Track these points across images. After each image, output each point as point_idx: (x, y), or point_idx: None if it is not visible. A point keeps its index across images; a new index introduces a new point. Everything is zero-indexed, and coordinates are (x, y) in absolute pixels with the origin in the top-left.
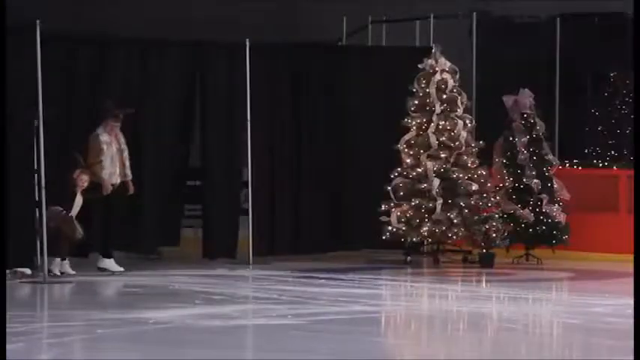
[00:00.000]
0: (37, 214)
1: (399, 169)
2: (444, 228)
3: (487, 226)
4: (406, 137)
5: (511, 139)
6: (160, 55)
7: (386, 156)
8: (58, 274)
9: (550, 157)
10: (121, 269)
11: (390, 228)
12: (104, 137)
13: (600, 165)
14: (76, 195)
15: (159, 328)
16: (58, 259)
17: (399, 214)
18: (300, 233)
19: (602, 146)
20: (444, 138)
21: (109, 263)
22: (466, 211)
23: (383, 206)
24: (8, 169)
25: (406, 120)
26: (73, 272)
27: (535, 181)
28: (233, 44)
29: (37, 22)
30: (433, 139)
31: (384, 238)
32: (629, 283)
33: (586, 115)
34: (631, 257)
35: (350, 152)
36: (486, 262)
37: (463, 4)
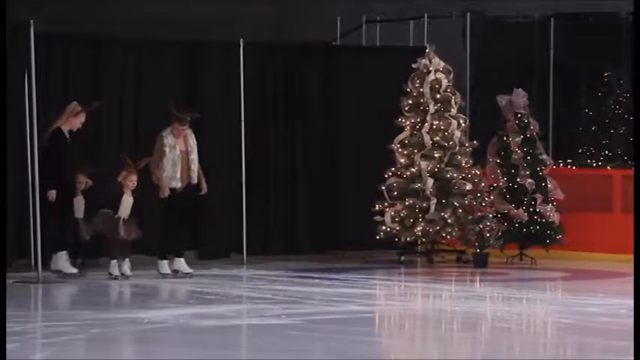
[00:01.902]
0: (76, 219)
1: (392, 168)
2: (437, 228)
3: (481, 226)
4: (400, 137)
5: (505, 138)
6: (154, 54)
7: (380, 156)
8: (118, 274)
9: (544, 156)
10: (190, 271)
11: (384, 228)
12: (168, 139)
13: (594, 165)
14: (122, 196)
15: (153, 327)
16: (114, 261)
17: (392, 213)
18: (295, 233)
19: (595, 146)
20: (437, 138)
21: (162, 265)
22: (460, 210)
23: (377, 206)
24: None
25: (400, 120)
26: (130, 273)
27: (529, 180)
28: (227, 44)
29: (32, 21)
30: (427, 139)
31: (377, 237)
32: (623, 283)
33: (580, 114)
34: (624, 257)
35: (344, 152)
36: (480, 261)
37: (457, 4)
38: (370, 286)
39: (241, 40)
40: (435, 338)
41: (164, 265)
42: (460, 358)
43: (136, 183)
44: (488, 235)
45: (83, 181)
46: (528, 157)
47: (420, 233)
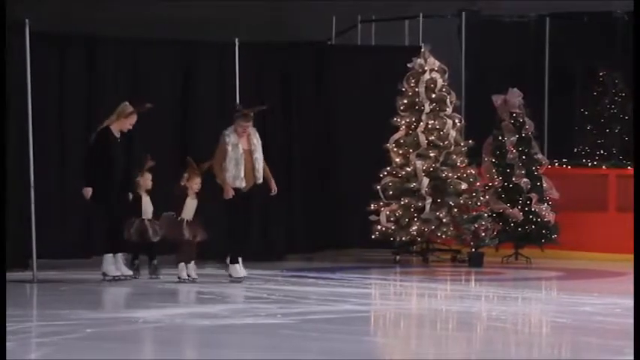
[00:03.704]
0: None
1: (388, 168)
2: (433, 227)
3: (476, 226)
4: (395, 136)
5: (500, 138)
6: (150, 54)
7: (375, 155)
8: (186, 277)
9: (539, 156)
10: (244, 274)
11: (379, 227)
12: (231, 138)
13: (589, 164)
14: (186, 198)
15: (148, 327)
16: (182, 264)
17: (388, 213)
18: (290, 233)
19: (591, 145)
20: (433, 137)
21: (234, 269)
22: (455, 210)
23: (372, 205)
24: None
25: (395, 119)
26: (196, 276)
27: (524, 180)
28: (223, 44)
29: (27, 21)
30: (422, 139)
31: (373, 237)
32: (618, 282)
33: (575, 114)
34: (620, 256)
35: (339, 151)
36: (475, 261)
37: (452, 4)
38: (365, 286)
39: (236, 40)
40: (430, 338)
41: (236, 269)
42: (455, 358)
43: (199, 185)
44: (483, 234)
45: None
46: (523, 157)
47: (415, 233)
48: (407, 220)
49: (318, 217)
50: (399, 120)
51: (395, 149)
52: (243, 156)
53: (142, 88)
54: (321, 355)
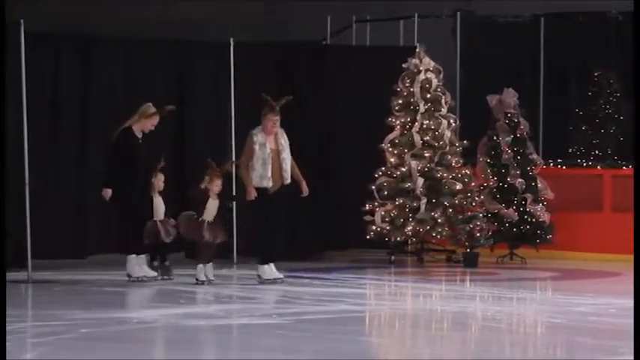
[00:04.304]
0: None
1: (383, 168)
2: (428, 227)
3: (471, 226)
4: (390, 136)
5: (495, 138)
6: (145, 54)
7: (370, 155)
8: (204, 279)
9: (534, 156)
10: (277, 275)
11: (374, 227)
12: (258, 137)
13: (584, 164)
14: (208, 199)
15: (143, 327)
16: (201, 265)
17: (383, 213)
18: (290, 233)
19: (586, 145)
20: (428, 137)
21: (263, 270)
22: (450, 210)
23: (367, 205)
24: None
25: (390, 119)
26: (212, 278)
27: (519, 180)
28: (217, 44)
29: (21, 21)
30: (417, 139)
31: (368, 237)
32: (613, 283)
33: (570, 114)
34: (614, 256)
35: (334, 151)
36: (470, 261)
37: (447, 4)
38: (360, 286)
39: (231, 40)
40: (425, 338)
41: (265, 270)
42: (450, 358)
43: (220, 187)
44: (478, 234)
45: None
46: (518, 157)
47: (410, 233)
48: (402, 220)
49: (312, 217)
50: (393, 120)
51: (390, 149)
52: (270, 155)
53: (138, 88)
54: (316, 356)
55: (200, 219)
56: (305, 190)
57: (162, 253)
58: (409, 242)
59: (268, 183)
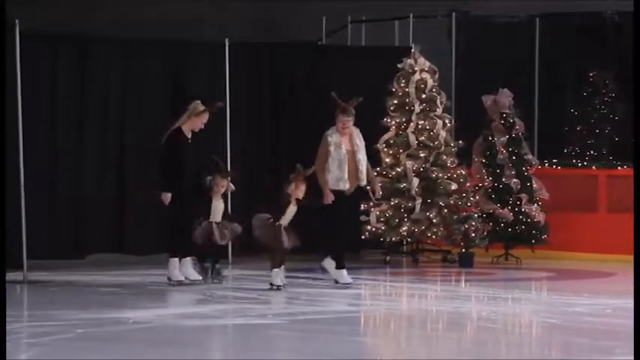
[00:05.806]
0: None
1: (378, 168)
2: (423, 227)
3: (466, 226)
4: (385, 137)
5: (490, 138)
6: (141, 54)
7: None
8: (280, 284)
9: (529, 156)
10: (350, 281)
11: (369, 227)
12: (333, 138)
13: (579, 165)
14: (289, 204)
15: (139, 327)
16: (276, 270)
17: (378, 213)
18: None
19: (581, 146)
20: (423, 137)
21: (341, 274)
22: (445, 210)
23: (362, 206)
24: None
25: (385, 119)
26: (285, 282)
27: (514, 180)
28: (213, 44)
29: (17, 21)
30: (412, 139)
31: (363, 237)
32: (609, 283)
33: (565, 114)
34: (610, 257)
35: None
36: (466, 261)
37: (442, 5)
38: (355, 286)
39: (227, 40)
40: (420, 338)
41: (343, 275)
42: (446, 358)
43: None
44: (473, 234)
45: (223, 185)
46: (514, 157)
47: (405, 233)
48: (397, 220)
49: (308, 218)
50: (389, 120)
51: (385, 149)
52: (346, 157)
53: (133, 88)
54: (312, 356)
55: (277, 223)
56: (378, 192)
57: (215, 256)
58: (404, 242)
59: (345, 185)
